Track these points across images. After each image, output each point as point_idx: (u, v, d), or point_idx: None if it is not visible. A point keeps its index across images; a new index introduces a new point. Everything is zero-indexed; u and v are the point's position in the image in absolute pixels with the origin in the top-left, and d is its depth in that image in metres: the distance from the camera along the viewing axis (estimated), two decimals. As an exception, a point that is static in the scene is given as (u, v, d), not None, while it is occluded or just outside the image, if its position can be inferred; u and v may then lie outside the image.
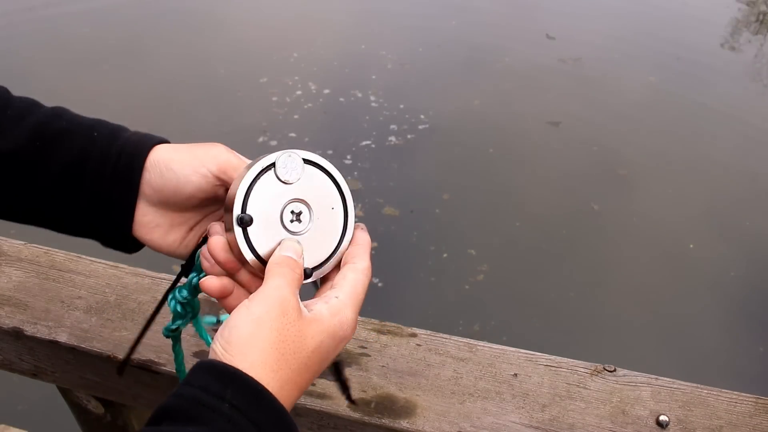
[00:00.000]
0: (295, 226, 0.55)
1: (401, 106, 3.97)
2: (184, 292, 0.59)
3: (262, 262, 0.54)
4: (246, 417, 0.42)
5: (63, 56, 4.34)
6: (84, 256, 0.85)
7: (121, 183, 0.58)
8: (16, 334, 0.76)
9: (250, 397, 0.43)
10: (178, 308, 0.60)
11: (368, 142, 3.66)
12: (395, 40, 4.68)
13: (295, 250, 0.53)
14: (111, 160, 0.58)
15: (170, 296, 0.60)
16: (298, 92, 4.06)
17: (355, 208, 0.59)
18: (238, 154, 0.59)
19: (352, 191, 0.58)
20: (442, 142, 3.72)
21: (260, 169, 0.54)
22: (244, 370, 0.44)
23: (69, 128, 0.60)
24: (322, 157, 0.56)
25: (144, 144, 0.59)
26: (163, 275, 0.82)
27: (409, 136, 3.73)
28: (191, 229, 0.62)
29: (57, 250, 0.86)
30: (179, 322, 0.60)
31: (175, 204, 0.59)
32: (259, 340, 0.46)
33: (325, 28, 4.82)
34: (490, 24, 4.96)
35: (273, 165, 0.54)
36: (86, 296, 0.79)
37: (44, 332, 0.75)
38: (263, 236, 0.54)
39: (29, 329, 0.76)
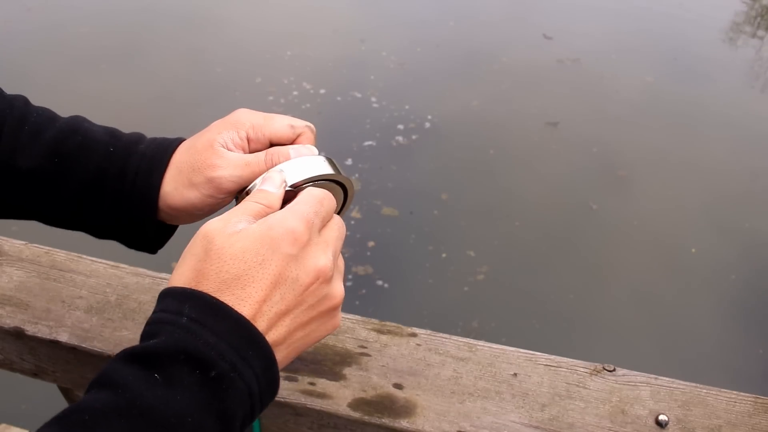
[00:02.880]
0: None
1: (401, 106, 3.97)
2: None
3: None
4: (205, 327, 0.43)
5: (61, 56, 4.34)
6: (85, 256, 0.85)
7: (140, 200, 0.60)
8: (17, 334, 0.76)
9: (207, 309, 0.44)
10: None
11: (370, 143, 3.66)
12: (395, 39, 4.68)
13: (268, 180, 0.54)
14: (129, 178, 0.59)
15: None
16: (295, 92, 4.07)
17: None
18: (226, 138, 0.59)
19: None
20: (441, 143, 3.72)
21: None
22: (173, 284, 0.46)
23: (85, 143, 0.60)
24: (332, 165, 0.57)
25: (159, 161, 0.60)
26: (163, 275, 0.83)
27: (410, 137, 3.73)
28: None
29: (58, 250, 0.86)
30: None
31: (197, 216, 0.61)
32: (181, 267, 0.48)
33: (324, 28, 4.81)
34: (488, 24, 4.96)
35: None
36: (87, 296, 0.80)
37: (45, 332, 0.76)
38: None
39: (30, 329, 0.76)
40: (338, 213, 0.58)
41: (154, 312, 0.46)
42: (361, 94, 4.09)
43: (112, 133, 0.62)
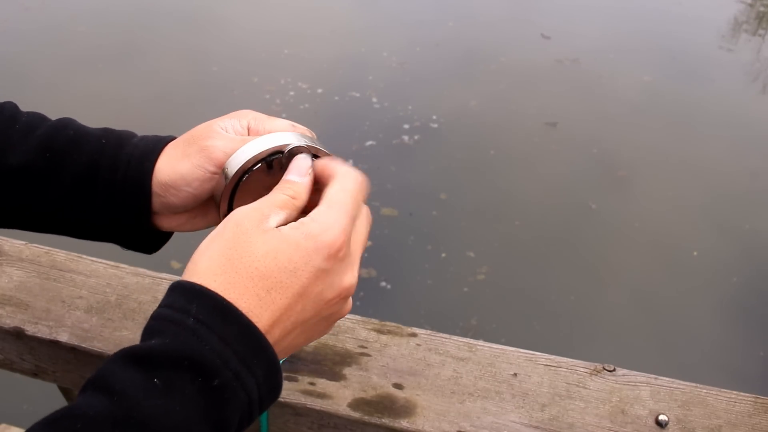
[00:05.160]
0: None
1: (403, 106, 3.97)
2: None
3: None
4: (211, 331, 0.42)
5: (59, 55, 4.34)
6: (85, 256, 0.85)
7: (133, 191, 0.58)
8: (17, 334, 0.76)
9: (215, 311, 0.43)
10: None
11: (371, 143, 3.66)
12: (394, 39, 4.68)
13: (296, 169, 0.52)
14: (121, 168, 0.58)
15: None
16: (292, 92, 4.06)
17: None
18: (227, 124, 0.59)
19: None
20: (440, 143, 3.72)
21: (253, 164, 0.53)
22: (192, 279, 0.44)
23: (77, 138, 0.60)
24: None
25: (151, 151, 0.58)
26: (163, 275, 0.83)
27: (413, 137, 3.73)
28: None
29: (58, 250, 0.86)
30: None
31: (191, 206, 0.60)
32: (209, 250, 0.46)
33: (323, 28, 4.81)
34: (487, 24, 4.96)
35: (273, 157, 0.53)
36: (87, 296, 0.80)
37: (45, 332, 0.76)
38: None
39: (30, 329, 0.76)
40: None
41: (160, 306, 0.44)
42: (360, 93, 4.09)
43: (105, 130, 0.62)
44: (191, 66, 4.33)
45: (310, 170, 0.52)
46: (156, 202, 0.59)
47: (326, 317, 0.49)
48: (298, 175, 0.52)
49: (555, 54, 4.56)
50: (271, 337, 0.45)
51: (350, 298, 0.51)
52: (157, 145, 0.59)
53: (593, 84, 4.30)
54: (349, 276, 0.49)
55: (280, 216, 0.48)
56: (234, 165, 0.54)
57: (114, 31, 4.67)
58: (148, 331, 0.44)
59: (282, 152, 0.53)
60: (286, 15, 5.01)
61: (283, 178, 0.52)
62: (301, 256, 0.45)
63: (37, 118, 0.62)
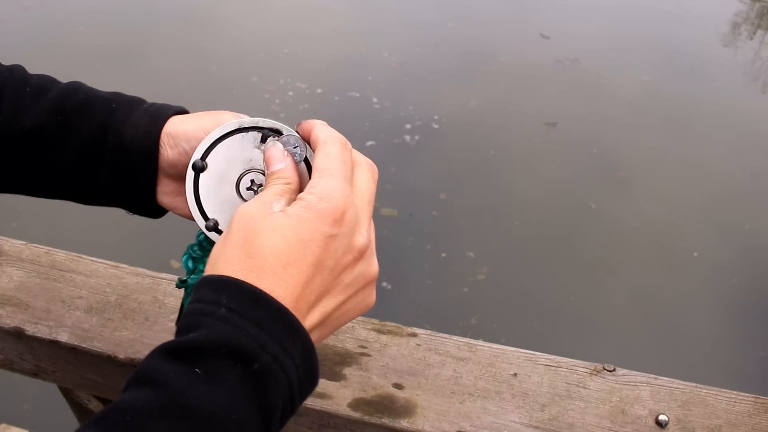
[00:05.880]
0: (248, 195, 0.56)
1: (404, 106, 3.97)
2: (195, 247, 0.60)
3: (202, 212, 0.55)
4: (244, 317, 0.42)
5: (58, 55, 4.34)
6: (84, 256, 0.85)
7: (140, 156, 0.59)
8: (17, 334, 0.76)
9: (245, 298, 0.43)
10: (189, 263, 0.61)
11: (371, 143, 3.66)
12: (394, 39, 4.68)
13: (273, 158, 0.53)
14: (129, 132, 0.59)
15: (184, 253, 0.61)
16: (291, 92, 4.06)
17: None
18: (245, 116, 0.60)
19: None
20: (440, 143, 3.72)
21: (249, 126, 0.55)
22: (217, 272, 0.45)
23: (88, 101, 0.60)
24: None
25: (160, 116, 0.59)
26: (163, 275, 0.83)
27: (414, 137, 3.73)
28: None
29: (58, 250, 0.86)
30: (188, 277, 0.62)
31: (180, 167, 0.60)
32: (222, 247, 0.48)
33: (323, 28, 4.82)
34: (486, 24, 4.96)
35: (269, 133, 0.55)
36: (87, 296, 0.80)
37: (45, 332, 0.76)
38: (212, 191, 0.55)
39: (30, 329, 0.76)
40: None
41: (191, 303, 0.45)
42: (360, 93, 4.09)
43: (116, 94, 0.63)
44: (190, 66, 4.33)
45: (285, 152, 0.54)
46: (163, 165, 0.60)
47: (351, 284, 0.49)
48: (277, 162, 0.53)
49: (555, 54, 4.55)
50: (300, 314, 0.45)
51: (372, 259, 0.50)
52: (165, 112, 0.60)
53: (593, 84, 4.30)
54: (359, 236, 0.49)
55: (282, 202, 0.49)
56: (232, 124, 0.56)
57: (113, 31, 4.67)
58: (184, 327, 0.44)
59: (281, 132, 0.55)
60: (285, 15, 5.01)
61: (266, 173, 0.53)
62: (306, 227, 0.46)
63: (48, 81, 0.62)
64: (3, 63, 0.65)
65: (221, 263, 0.46)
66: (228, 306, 0.43)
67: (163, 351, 0.42)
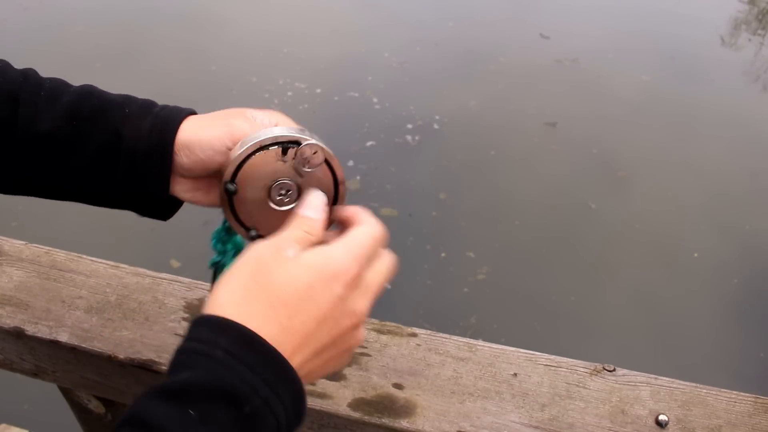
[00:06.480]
0: (278, 201, 0.58)
1: (404, 106, 3.97)
2: (222, 232, 0.64)
3: (242, 224, 0.58)
4: (239, 360, 0.43)
5: (57, 55, 4.34)
6: (85, 256, 0.85)
7: (155, 160, 0.60)
8: (17, 334, 0.76)
9: (241, 341, 0.44)
10: (218, 246, 0.64)
11: (372, 143, 3.66)
12: (394, 39, 4.68)
13: (312, 205, 0.55)
14: (143, 138, 0.59)
15: (212, 236, 0.64)
16: (290, 92, 4.06)
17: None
18: (258, 116, 0.61)
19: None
20: (439, 143, 3.72)
21: (270, 143, 0.56)
22: (215, 312, 0.46)
23: (101, 106, 0.61)
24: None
25: (173, 121, 0.60)
26: (163, 275, 0.83)
27: (414, 137, 3.73)
28: None
29: (58, 250, 0.86)
30: (219, 257, 0.65)
31: (208, 175, 0.61)
32: (229, 283, 0.48)
33: (323, 28, 4.81)
34: (485, 24, 4.96)
35: (290, 145, 0.56)
36: (87, 296, 0.80)
37: (45, 332, 0.76)
38: (245, 201, 0.57)
39: (30, 329, 0.76)
40: (334, 198, 0.59)
41: (186, 340, 0.46)
42: (360, 93, 4.09)
43: (127, 97, 0.63)
44: (190, 65, 4.32)
45: (326, 207, 0.56)
46: (178, 169, 0.61)
47: (340, 345, 0.51)
48: (314, 211, 0.54)
49: (554, 54, 4.55)
50: (294, 363, 0.46)
51: (362, 328, 0.52)
52: (178, 116, 0.61)
53: (593, 84, 4.30)
54: (363, 303, 0.50)
55: (295, 249, 0.50)
56: (251, 139, 0.56)
57: (112, 31, 4.66)
58: (178, 365, 0.45)
59: (299, 143, 0.56)
60: (285, 15, 5.00)
61: (298, 212, 0.55)
62: (320, 282, 0.48)
63: (61, 84, 0.63)
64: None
65: (227, 300, 0.47)
66: (224, 348, 0.44)
67: (158, 392, 0.42)
